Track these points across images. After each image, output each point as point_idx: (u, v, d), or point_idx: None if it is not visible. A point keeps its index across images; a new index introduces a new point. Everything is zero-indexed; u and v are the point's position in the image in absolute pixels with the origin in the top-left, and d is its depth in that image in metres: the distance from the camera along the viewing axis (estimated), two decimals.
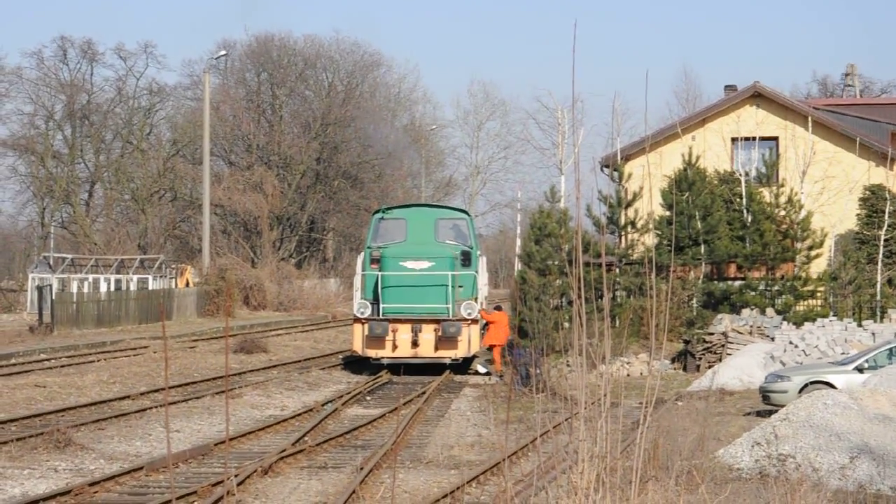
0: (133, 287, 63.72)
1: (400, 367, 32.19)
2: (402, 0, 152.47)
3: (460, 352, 33.06)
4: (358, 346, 33.77)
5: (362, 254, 35.92)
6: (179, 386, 30.08)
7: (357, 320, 33.70)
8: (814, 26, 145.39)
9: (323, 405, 26.65)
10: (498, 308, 35.49)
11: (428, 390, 29.01)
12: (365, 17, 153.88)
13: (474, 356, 34.50)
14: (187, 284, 67.00)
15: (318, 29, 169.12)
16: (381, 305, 33.29)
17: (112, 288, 62.84)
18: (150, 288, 63.50)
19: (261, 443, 21.63)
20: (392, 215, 36.78)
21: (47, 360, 36.85)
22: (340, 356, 38.54)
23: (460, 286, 33.67)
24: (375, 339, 33.06)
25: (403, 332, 32.98)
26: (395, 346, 32.98)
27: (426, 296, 33.08)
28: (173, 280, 68.20)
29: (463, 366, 34.03)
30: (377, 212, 37.94)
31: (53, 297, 51.62)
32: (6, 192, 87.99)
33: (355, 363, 34.80)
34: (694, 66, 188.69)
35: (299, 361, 38.06)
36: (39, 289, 55.49)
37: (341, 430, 22.97)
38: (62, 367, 34.95)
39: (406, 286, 33.19)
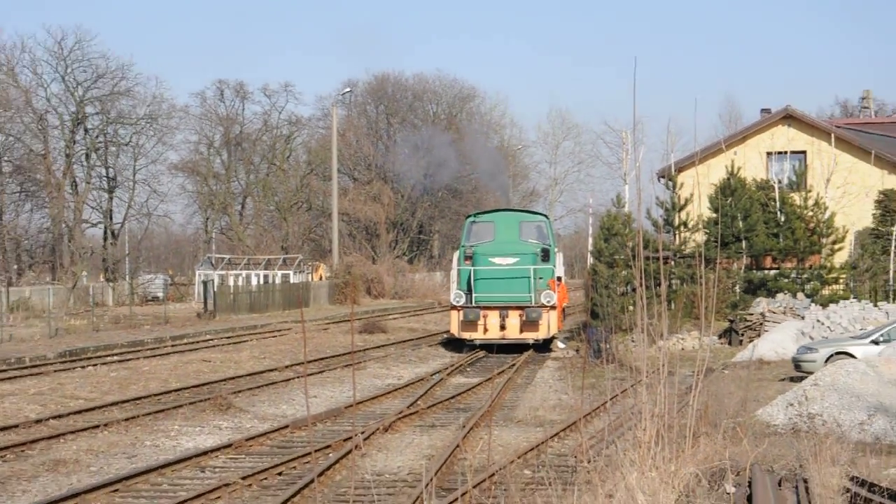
0: (278, 281, 64.57)
1: (490, 347, 31.99)
2: (493, 43, 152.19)
3: (541, 333, 32.58)
4: (455, 330, 33.44)
5: (457, 252, 35.50)
6: (316, 360, 30.40)
7: (453, 308, 33.38)
8: (835, 59, 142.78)
9: (431, 375, 26.76)
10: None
11: (517, 363, 29.00)
12: (463, 56, 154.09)
13: (553, 337, 34.23)
14: (321, 278, 67.71)
15: (424, 67, 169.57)
16: (474, 295, 32.80)
17: (261, 281, 63.76)
18: (291, 281, 64.30)
19: (382, 406, 21.77)
20: (482, 219, 36.27)
21: (211, 339, 37.54)
22: (445, 336, 38.63)
23: (540, 278, 33.33)
24: (469, 324, 32.68)
25: (493, 318, 32.53)
26: (485, 329, 32.51)
27: (512, 287, 32.59)
28: (309, 275, 68.97)
29: (544, 345, 33.50)
30: (469, 216, 37.57)
31: (215, 290, 52.47)
32: (177, 205, 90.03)
33: (455, 342, 34.66)
34: (735, 93, 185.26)
35: (412, 340, 38.26)
36: (204, 283, 56.48)
37: (446, 395, 23.08)
38: (223, 345, 35.60)
39: (495, 279, 32.73)
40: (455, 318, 33.20)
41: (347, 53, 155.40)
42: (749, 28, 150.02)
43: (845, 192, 40.54)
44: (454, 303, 33.31)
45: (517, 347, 32.13)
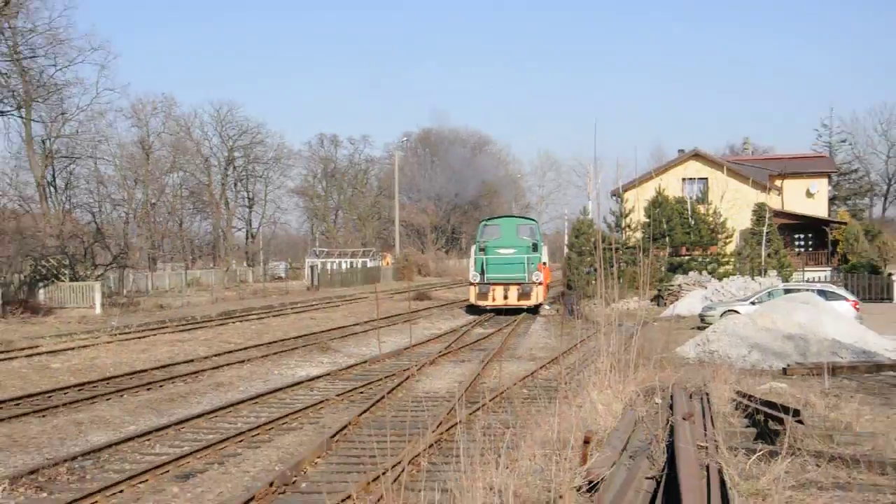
0: (359, 265, 64.81)
1: (497, 311, 31.69)
2: (502, 100, 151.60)
3: (532, 301, 32.17)
4: (472, 299, 32.91)
5: (474, 245, 34.77)
6: (385, 318, 30.41)
7: (471, 284, 32.93)
8: (727, 115, 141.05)
9: (461, 328, 26.81)
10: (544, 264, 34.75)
11: (517, 320, 28.99)
12: (485, 114, 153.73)
13: (541, 303, 34.01)
14: (387, 264, 67.87)
15: (456, 123, 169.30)
16: (486, 275, 32.36)
17: (348, 266, 64.04)
18: (368, 266, 64.53)
19: (428, 348, 21.83)
20: (491, 223, 35.67)
21: (316, 305, 37.73)
22: (467, 302, 38.67)
23: (532, 263, 33.08)
24: (482, 295, 32.23)
25: (499, 290, 32.08)
26: (493, 299, 32.04)
27: (512, 269, 32.19)
28: (380, 261, 69.15)
29: (535, 309, 33.09)
30: (483, 221, 37.08)
31: (318, 272, 52.84)
32: (293, 216, 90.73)
33: (474, 307, 34.48)
34: (662, 139, 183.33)
35: (447, 304, 38.18)
36: (311, 267, 56.83)
37: (470, 341, 23.15)
38: (323, 308, 35.81)
39: (500, 264, 32.31)
40: (473, 291, 32.88)
41: (404, 113, 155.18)
42: (671, 93, 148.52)
43: (733, 204, 40.34)
44: (472, 280, 32.94)
45: (516, 311, 31.99)
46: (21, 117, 39.05)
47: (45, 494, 8.97)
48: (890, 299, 36.22)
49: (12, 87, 33.82)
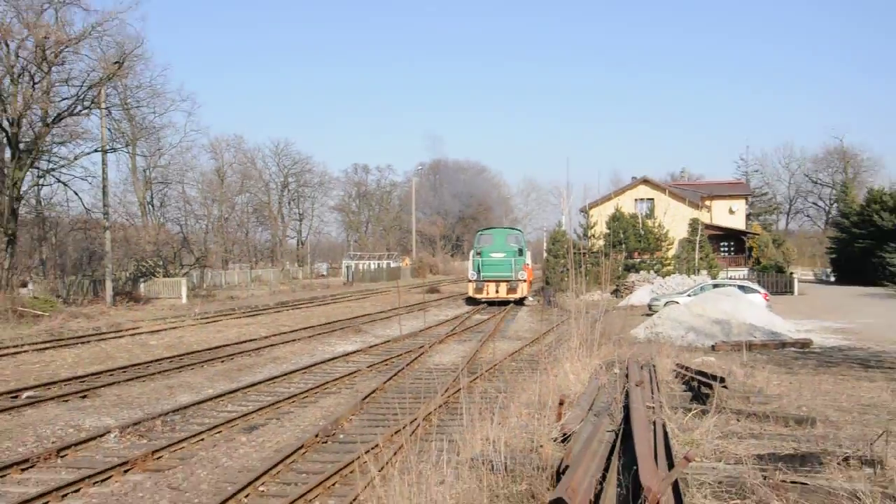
0: (384, 266, 64.76)
1: (491, 302, 31.27)
2: (497, 135, 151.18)
3: (518, 295, 31.55)
4: (470, 293, 32.19)
5: (472, 250, 34.26)
6: (405, 307, 30.33)
7: (470, 281, 32.32)
8: (667, 150, 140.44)
9: (463, 314, 26.70)
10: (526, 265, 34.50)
11: (507, 309, 28.82)
12: (483, 149, 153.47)
13: (525, 297, 33.68)
14: (406, 265, 67.75)
15: (458, 155, 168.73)
16: (481, 274, 31.74)
17: (376, 266, 64.02)
18: (391, 266, 64.45)
19: (437, 330, 21.61)
20: (485, 233, 34.86)
21: (351, 296, 37.56)
22: (467, 296, 38.56)
23: (518, 264, 32.82)
24: (478, 290, 31.61)
25: (491, 286, 31.47)
26: (487, 293, 31.44)
27: (502, 269, 31.66)
28: (400, 263, 69.06)
29: (520, 301, 32.56)
30: (479, 231, 36.67)
31: (352, 271, 52.75)
32: (333, 227, 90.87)
33: (472, 300, 34.22)
34: (619, 167, 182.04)
35: (453, 296, 37.94)
36: (347, 267, 56.78)
37: (471, 324, 22.99)
38: (357, 299, 35.66)
39: (492, 265, 31.75)
40: (471, 286, 32.33)
41: (420, 147, 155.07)
42: (627, 131, 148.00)
43: (673, 219, 40.28)
44: (470, 278, 32.41)
45: (505, 302, 31.73)
46: (128, 153, 39.84)
47: (145, 441, 9.05)
48: (791, 292, 36.38)
49: (122, 129, 34.50)
